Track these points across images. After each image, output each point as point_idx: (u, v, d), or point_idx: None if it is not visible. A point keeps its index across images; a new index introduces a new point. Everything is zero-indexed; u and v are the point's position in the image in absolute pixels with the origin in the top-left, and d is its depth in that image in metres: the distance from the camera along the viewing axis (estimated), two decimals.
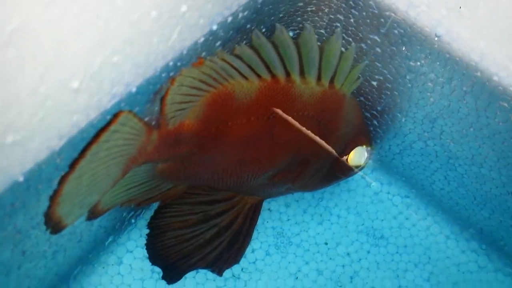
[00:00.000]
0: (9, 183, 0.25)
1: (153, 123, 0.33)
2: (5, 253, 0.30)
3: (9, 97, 0.21)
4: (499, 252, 0.43)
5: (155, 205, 0.40)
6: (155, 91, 0.31)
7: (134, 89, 0.29)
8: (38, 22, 0.21)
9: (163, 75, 0.30)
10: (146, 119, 0.32)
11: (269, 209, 0.44)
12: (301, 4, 0.36)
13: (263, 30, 0.36)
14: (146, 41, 0.27)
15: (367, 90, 0.39)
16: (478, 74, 0.32)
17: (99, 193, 0.32)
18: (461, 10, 0.31)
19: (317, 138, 0.36)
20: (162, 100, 0.32)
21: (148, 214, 0.41)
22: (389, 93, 0.38)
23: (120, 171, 0.32)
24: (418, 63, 0.35)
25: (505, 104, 0.33)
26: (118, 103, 0.29)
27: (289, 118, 0.35)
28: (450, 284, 0.43)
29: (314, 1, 0.36)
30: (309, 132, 0.36)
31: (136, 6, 0.25)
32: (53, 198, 0.29)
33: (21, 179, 0.26)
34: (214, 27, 0.32)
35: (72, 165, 0.29)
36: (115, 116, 0.29)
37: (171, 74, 0.31)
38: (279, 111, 0.35)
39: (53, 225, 0.31)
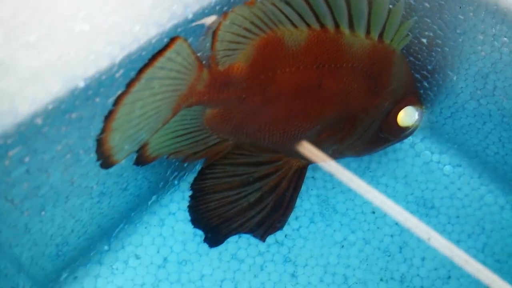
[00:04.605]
0: (71, 85, 0.25)
1: (204, 62, 0.33)
2: (56, 173, 0.29)
3: None
4: None
5: (198, 167, 0.40)
6: (208, 25, 0.31)
7: (190, 16, 0.29)
8: None
9: (218, 7, 0.31)
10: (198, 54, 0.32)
11: (313, 177, 0.43)
12: None
13: None
14: None
15: (416, 48, 0.39)
16: None
17: (149, 131, 0.32)
18: None
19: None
20: (214, 34, 0.32)
21: (191, 176, 0.40)
22: (439, 50, 0.38)
23: (171, 109, 0.32)
24: (467, 15, 0.35)
25: None
26: (175, 27, 0.29)
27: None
28: (505, 255, 0.40)
29: None
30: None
31: None
32: (107, 119, 0.29)
33: (81, 84, 0.26)
34: None
35: (129, 85, 0.29)
36: (172, 41, 0.29)
37: (225, 8, 0.31)
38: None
39: (104, 157, 0.30)
